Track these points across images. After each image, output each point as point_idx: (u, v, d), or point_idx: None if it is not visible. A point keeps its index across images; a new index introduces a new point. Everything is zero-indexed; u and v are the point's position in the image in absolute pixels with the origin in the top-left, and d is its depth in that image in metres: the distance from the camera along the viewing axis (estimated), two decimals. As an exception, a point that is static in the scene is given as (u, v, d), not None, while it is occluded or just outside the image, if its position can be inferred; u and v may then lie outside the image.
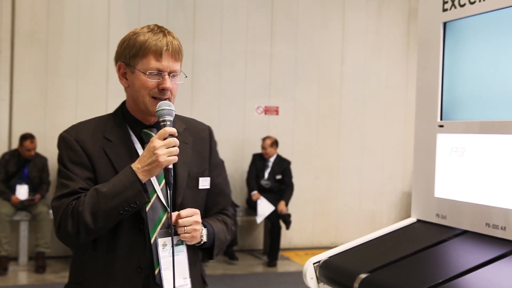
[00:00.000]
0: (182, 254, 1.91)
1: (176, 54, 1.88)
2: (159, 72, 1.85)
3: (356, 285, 2.26)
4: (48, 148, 7.16)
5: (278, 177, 7.67)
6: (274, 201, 7.41)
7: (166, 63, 1.85)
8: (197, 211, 1.89)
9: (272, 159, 7.67)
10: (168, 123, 1.84)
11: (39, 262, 6.57)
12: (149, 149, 1.79)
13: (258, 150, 7.80)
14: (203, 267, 2.10)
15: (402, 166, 8.75)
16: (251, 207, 7.59)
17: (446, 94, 2.74)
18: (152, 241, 1.87)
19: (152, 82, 1.85)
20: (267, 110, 8.20)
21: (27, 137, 6.80)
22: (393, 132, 8.74)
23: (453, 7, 2.68)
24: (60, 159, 1.87)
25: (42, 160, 6.97)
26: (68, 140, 1.87)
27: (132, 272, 1.85)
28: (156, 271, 1.87)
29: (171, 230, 1.86)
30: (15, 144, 7.00)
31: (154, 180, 1.89)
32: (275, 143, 7.67)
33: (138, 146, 1.91)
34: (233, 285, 6.45)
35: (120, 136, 1.90)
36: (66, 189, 1.81)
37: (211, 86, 7.85)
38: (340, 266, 2.49)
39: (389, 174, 8.77)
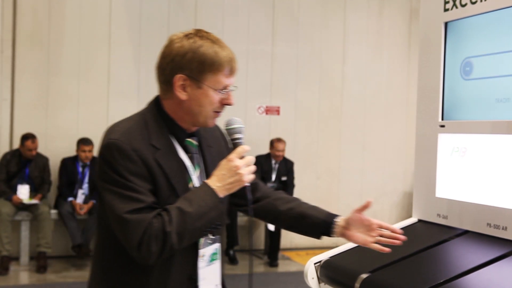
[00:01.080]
0: (216, 263, 1.94)
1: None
2: (225, 88, 1.84)
3: (357, 285, 2.26)
4: (49, 148, 7.17)
5: (284, 178, 7.68)
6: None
7: (233, 79, 1.85)
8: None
9: (278, 161, 7.68)
10: (241, 141, 1.85)
11: (40, 262, 6.57)
12: (230, 168, 1.78)
13: (260, 150, 7.79)
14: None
15: (403, 166, 8.75)
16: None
17: (447, 94, 2.73)
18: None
19: (219, 98, 1.83)
20: (268, 110, 8.20)
21: (28, 137, 6.80)
22: (394, 132, 8.74)
23: (454, 7, 2.68)
24: (114, 169, 1.72)
25: (43, 160, 6.97)
26: (124, 150, 1.73)
27: (185, 282, 1.87)
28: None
29: (251, 246, 1.90)
30: (16, 144, 7.01)
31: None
32: (285, 146, 7.70)
33: (183, 155, 1.86)
34: (234, 285, 6.44)
35: (164, 143, 1.81)
36: (139, 203, 1.71)
37: (212, 86, 7.85)
38: (341, 266, 2.49)
39: (390, 174, 8.76)
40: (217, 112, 1.86)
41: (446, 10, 2.72)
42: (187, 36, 1.81)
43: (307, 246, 8.28)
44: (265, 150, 7.81)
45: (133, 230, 1.69)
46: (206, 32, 1.84)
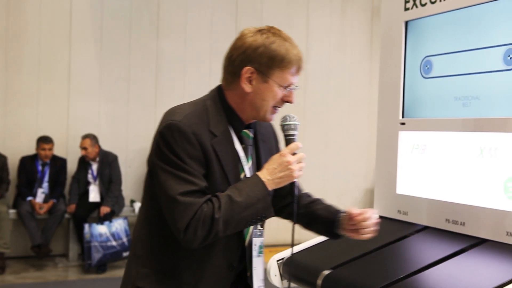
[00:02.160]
0: (262, 257, 1.98)
1: None
2: (289, 85, 1.87)
3: (319, 281, 2.28)
4: (8, 146, 7.00)
5: None
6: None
7: (297, 78, 1.88)
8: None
9: None
10: (295, 137, 1.89)
11: (-2, 263, 6.42)
12: (281, 163, 1.82)
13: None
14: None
15: (365, 163, 8.85)
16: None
17: (408, 92, 2.78)
18: (246, 241, 1.92)
19: (282, 94, 1.87)
20: (231, 108, 8.18)
21: (-15, 135, 6.63)
22: (357, 130, 8.83)
23: (414, 7, 2.72)
24: (173, 150, 1.75)
25: (1, 159, 6.80)
26: (185, 132, 1.77)
27: (223, 269, 1.88)
28: (249, 273, 1.91)
29: (292, 242, 1.97)
30: (-27, 142, 6.83)
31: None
32: None
33: (237, 145, 1.89)
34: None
35: (222, 131, 1.85)
36: (192, 186, 1.74)
37: (175, 84, 7.79)
38: (303, 263, 2.50)
39: (352, 171, 8.85)
40: (276, 108, 1.91)
41: (406, 9, 2.76)
42: (261, 31, 1.88)
43: (270, 243, 8.29)
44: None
45: (183, 212, 1.72)
46: (279, 30, 1.89)
